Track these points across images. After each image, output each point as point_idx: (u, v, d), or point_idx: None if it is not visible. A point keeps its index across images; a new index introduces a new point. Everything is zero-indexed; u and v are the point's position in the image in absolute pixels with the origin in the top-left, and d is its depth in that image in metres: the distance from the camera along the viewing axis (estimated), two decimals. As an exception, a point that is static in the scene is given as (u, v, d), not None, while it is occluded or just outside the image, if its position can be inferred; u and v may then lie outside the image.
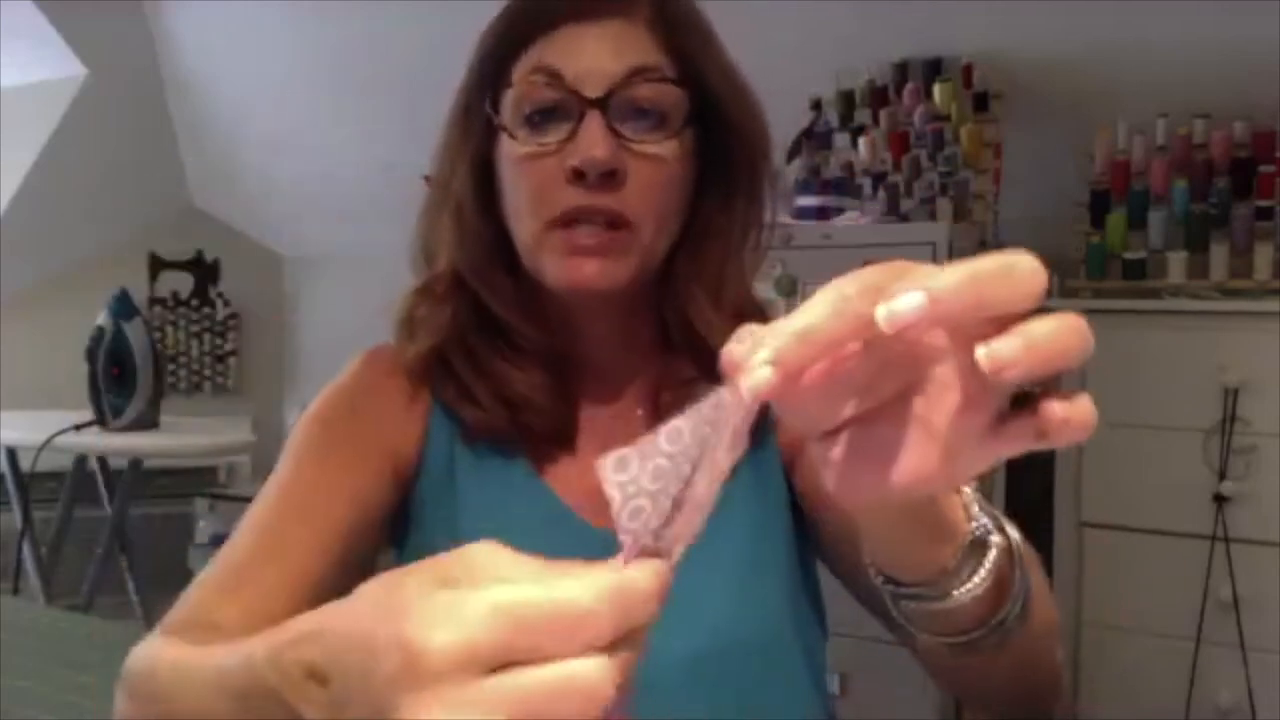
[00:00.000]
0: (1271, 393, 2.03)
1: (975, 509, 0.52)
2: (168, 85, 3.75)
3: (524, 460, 0.81)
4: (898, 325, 0.34)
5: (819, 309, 0.35)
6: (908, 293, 0.34)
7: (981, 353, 0.34)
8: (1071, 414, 0.36)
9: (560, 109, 0.75)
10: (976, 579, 0.51)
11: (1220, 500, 2.06)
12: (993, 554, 0.52)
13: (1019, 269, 0.35)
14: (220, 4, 3.33)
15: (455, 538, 0.85)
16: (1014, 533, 0.54)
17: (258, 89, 3.61)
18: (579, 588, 0.35)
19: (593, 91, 0.74)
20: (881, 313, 0.34)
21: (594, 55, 0.75)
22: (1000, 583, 0.53)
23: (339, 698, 0.37)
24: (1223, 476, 2.06)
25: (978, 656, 0.55)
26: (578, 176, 0.73)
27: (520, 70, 0.77)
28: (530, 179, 0.76)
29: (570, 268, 0.75)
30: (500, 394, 0.79)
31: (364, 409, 0.82)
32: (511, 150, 0.77)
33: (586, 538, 0.79)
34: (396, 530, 0.84)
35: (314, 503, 0.75)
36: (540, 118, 0.76)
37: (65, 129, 3.54)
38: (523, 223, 0.77)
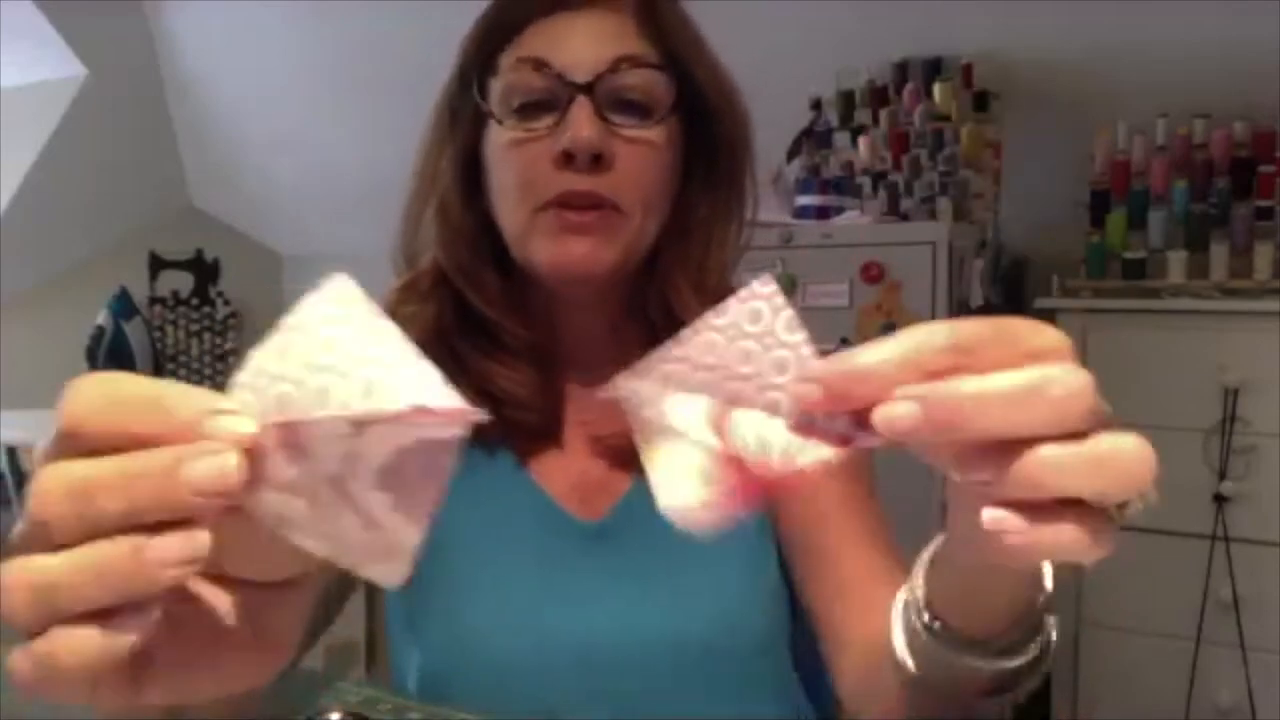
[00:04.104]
0: (1271, 393, 2.03)
1: (1049, 581, 0.49)
2: (168, 85, 3.75)
3: (509, 454, 0.81)
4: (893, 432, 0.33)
5: (890, 352, 0.34)
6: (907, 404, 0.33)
7: (993, 516, 0.33)
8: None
9: (548, 97, 0.75)
10: (1029, 649, 0.49)
11: (1220, 500, 2.06)
12: (1042, 635, 0.50)
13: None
14: (220, 4, 3.33)
15: (439, 527, 0.85)
16: (1055, 624, 0.52)
17: (258, 89, 3.61)
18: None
19: (580, 78, 0.74)
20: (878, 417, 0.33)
21: (581, 44, 0.75)
22: (1037, 658, 0.51)
23: None
24: (1223, 476, 2.06)
25: (964, 715, 0.54)
26: (566, 160, 0.74)
27: (507, 60, 0.77)
28: (519, 164, 0.76)
29: (561, 248, 0.75)
30: (485, 390, 0.79)
31: None
32: (499, 137, 0.77)
33: (573, 529, 0.79)
34: None
35: None
36: (528, 106, 0.76)
37: (65, 129, 3.54)
38: (511, 210, 0.77)
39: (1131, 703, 2.17)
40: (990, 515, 0.33)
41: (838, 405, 0.34)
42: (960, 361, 0.33)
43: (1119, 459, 0.33)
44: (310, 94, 3.53)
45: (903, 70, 2.52)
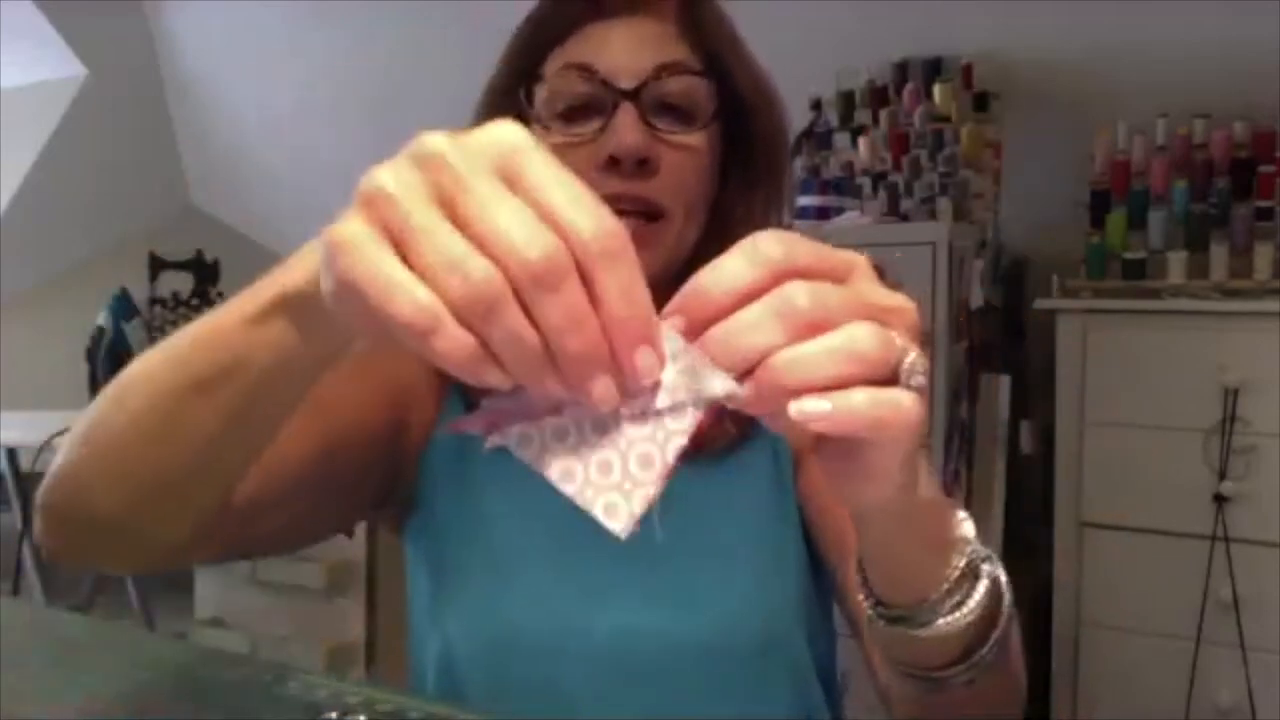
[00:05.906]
0: (1271, 393, 2.03)
1: (970, 531, 0.51)
2: (168, 85, 3.76)
3: None
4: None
5: (734, 268, 0.40)
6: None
7: (793, 407, 0.38)
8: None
9: (593, 103, 0.76)
10: (965, 609, 0.50)
11: (1220, 500, 2.06)
12: (983, 585, 0.51)
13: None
14: (220, 4, 3.33)
15: (478, 511, 0.85)
16: (1001, 574, 0.53)
17: (258, 89, 3.61)
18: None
19: (625, 84, 0.75)
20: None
21: (625, 50, 0.77)
22: (985, 619, 0.52)
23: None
24: (1223, 476, 2.06)
25: (943, 695, 0.55)
26: (612, 165, 0.75)
27: (552, 66, 0.78)
28: None
29: None
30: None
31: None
32: (544, 142, 0.77)
33: (583, 527, 0.79)
34: (399, 514, 0.85)
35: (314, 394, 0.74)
36: (573, 110, 0.77)
37: (65, 129, 3.54)
38: None
39: (1131, 703, 2.17)
40: (792, 409, 0.38)
41: (704, 328, 0.40)
42: (793, 267, 0.40)
43: (834, 349, 0.38)
44: (310, 94, 3.53)
45: (903, 70, 2.52)
